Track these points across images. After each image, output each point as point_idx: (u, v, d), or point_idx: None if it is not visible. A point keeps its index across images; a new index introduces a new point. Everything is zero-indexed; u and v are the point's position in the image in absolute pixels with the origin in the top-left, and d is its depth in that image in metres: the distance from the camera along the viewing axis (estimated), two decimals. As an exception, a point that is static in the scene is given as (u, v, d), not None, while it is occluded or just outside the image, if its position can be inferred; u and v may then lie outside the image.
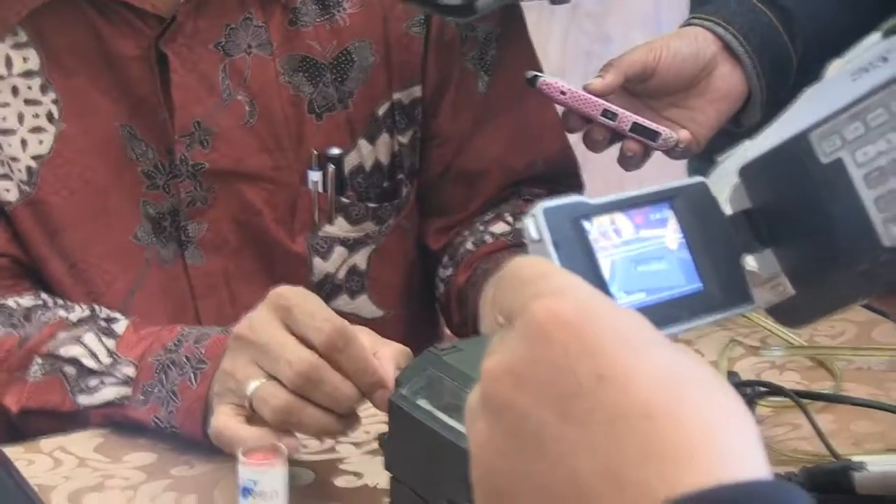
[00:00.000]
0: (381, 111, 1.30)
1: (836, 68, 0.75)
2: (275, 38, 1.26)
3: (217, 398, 1.06)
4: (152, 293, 1.27)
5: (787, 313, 0.75)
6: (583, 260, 0.67)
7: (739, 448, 0.50)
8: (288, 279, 1.28)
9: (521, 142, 1.35)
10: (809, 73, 1.33)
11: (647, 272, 0.69)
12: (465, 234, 1.34)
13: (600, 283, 0.67)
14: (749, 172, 0.74)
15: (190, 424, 1.09)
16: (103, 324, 1.18)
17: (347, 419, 1.02)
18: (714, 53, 1.28)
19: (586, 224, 0.69)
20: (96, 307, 1.21)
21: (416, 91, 1.30)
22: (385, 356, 1.01)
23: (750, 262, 0.74)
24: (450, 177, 1.35)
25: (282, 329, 1.01)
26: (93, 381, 1.14)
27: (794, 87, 1.49)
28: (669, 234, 0.71)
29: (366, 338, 1.02)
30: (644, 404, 0.50)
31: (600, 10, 2.86)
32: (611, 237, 0.69)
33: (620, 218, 0.70)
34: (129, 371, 1.13)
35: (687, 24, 1.32)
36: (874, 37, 0.75)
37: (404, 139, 1.31)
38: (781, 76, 1.31)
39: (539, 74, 1.24)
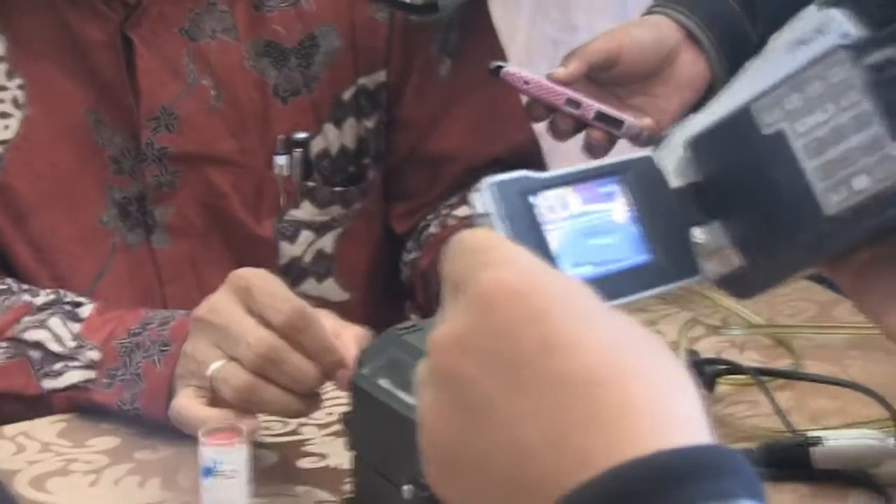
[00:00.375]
0: (346, 96, 1.30)
1: (776, 41, 0.76)
2: (240, 22, 1.27)
3: (179, 381, 1.06)
4: (119, 278, 1.27)
5: (735, 284, 0.77)
6: (530, 233, 0.68)
7: (684, 415, 0.51)
8: (255, 263, 1.28)
9: (486, 128, 1.36)
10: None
11: (596, 245, 0.70)
12: (430, 218, 1.35)
13: (547, 256, 0.68)
14: (694, 145, 0.75)
15: (154, 407, 1.09)
16: (68, 308, 1.18)
17: (309, 399, 1.02)
18: (677, 41, 1.29)
19: (533, 199, 0.70)
20: (61, 291, 1.21)
21: (381, 76, 1.31)
22: (346, 338, 1.02)
23: (697, 233, 0.75)
24: (413, 161, 1.35)
25: (242, 310, 1.01)
26: (57, 365, 1.14)
27: None
28: (617, 207, 0.72)
29: (327, 320, 1.03)
30: (589, 371, 0.50)
31: (566, -2, 2.87)
32: (558, 211, 0.70)
33: (568, 192, 0.71)
34: (94, 355, 1.13)
35: (650, 11, 1.33)
36: (811, 8, 0.76)
37: (370, 124, 1.32)
38: (743, 62, 1.32)
39: (502, 64, 1.25)
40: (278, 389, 1.00)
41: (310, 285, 1.33)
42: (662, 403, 0.51)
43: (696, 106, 1.32)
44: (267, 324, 1.00)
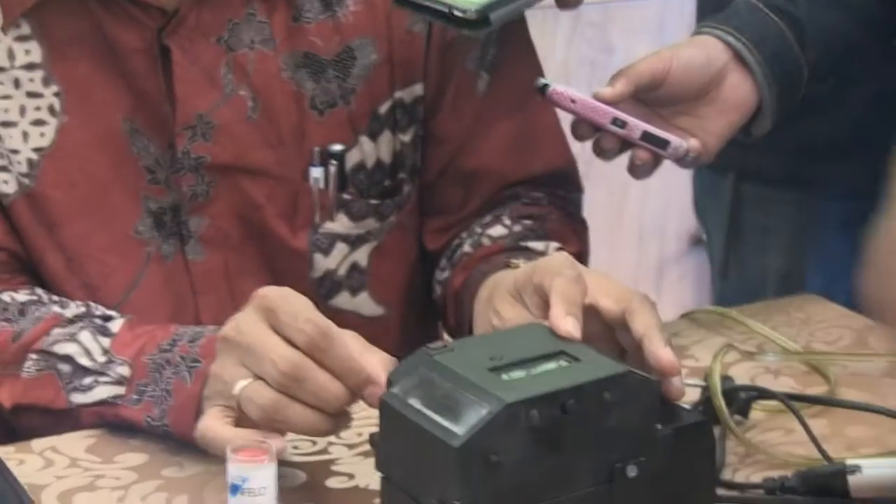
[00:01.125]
0: (382, 109, 1.30)
1: None
2: (277, 34, 1.26)
3: (206, 401, 1.06)
4: (152, 288, 1.27)
5: None
6: None
7: None
8: (289, 275, 1.29)
9: (521, 144, 1.35)
10: (820, 83, 1.34)
11: None
12: (463, 237, 1.34)
13: None
14: None
15: (182, 423, 1.08)
16: (98, 321, 1.18)
17: (337, 418, 1.01)
18: (725, 63, 1.28)
19: None
20: (91, 304, 1.21)
21: (418, 89, 1.31)
22: (372, 361, 1.01)
23: None
24: (448, 176, 1.35)
25: (267, 330, 1.01)
26: (87, 380, 1.14)
27: (804, 98, 1.50)
28: None
29: (352, 342, 1.02)
30: None
31: (602, 18, 2.86)
32: None
33: None
34: (124, 370, 1.13)
35: (697, 32, 1.32)
36: None
37: (406, 138, 1.31)
38: (792, 86, 1.31)
39: (548, 83, 1.24)
40: (304, 408, 1.00)
41: (343, 299, 1.32)
42: None
43: (742, 128, 1.31)
44: (292, 344, 1.00)
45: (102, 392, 1.13)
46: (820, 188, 1.60)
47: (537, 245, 1.29)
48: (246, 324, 1.02)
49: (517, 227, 1.31)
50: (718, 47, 1.28)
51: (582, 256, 1.35)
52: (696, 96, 1.27)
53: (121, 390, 1.13)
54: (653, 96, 1.26)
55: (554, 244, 1.29)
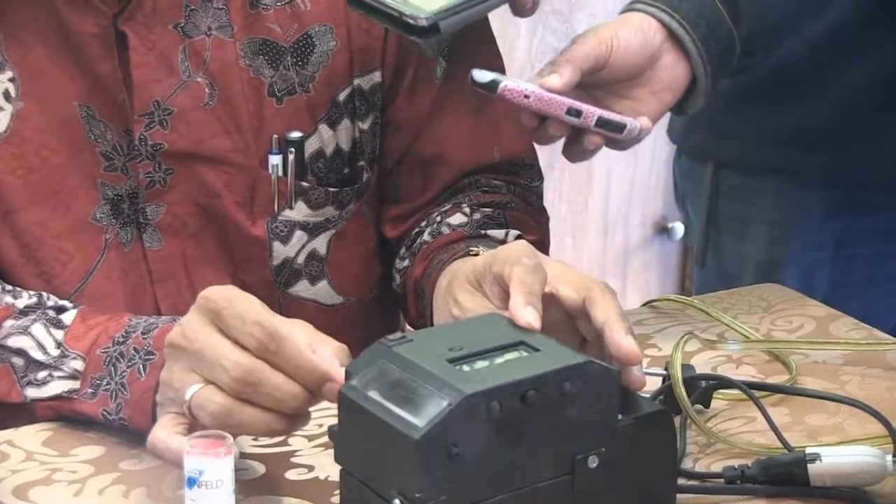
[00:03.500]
0: (341, 96, 1.29)
1: None
2: (235, 20, 1.25)
3: (159, 408, 1.04)
4: (110, 275, 1.26)
5: None
6: None
7: None
8: (247, 263, 1.28)
9: (479, 131, 1.34)
10: (747, 59, 1.33)
11: None
12: (423, 226, 1.33)
13: None
14: None
15: (139, 417, 1.07)
16: (51, 313, 1.16)
17: (294, 418, 0.99)
18: (660, 42, 1.25)
19: None
20: (44, 294, 1.20)
21: (377, 76, 1.30)
22: (324, 353, 0.98)
23: None
24: (406, 164, 1.34)
25: (215, 333, 0.98)
26: (41, 374, 1.13)
27: (783, 88, 1.49)
28: None
29: (304, 334, 0.99)
30: None
31: (567, 7, 2.85)
32: None
33: None
34: (78, 365, 1.12)
35: (630, 8, 1.28)
36: None
37: (365, 125, 1.31)
38: (725, 63, 1.28)
39: (498, 79, 1.18)
40: (257, 410, 0.97)
41: (302, 287, 1.32)
42: None
43: (675, 107, 1.29)
44: (241, 346, 0.97)
45: (57, 387, 1.12)
46: (799, 178, 1.59)
47: (497, 233, 1.29)
48: (192, 329, 0.99)
49: (476, 215, 1.30)
50: (653, 26, 1.25)
51: (542, 245, 1.34)
52: (632, 77, 1.24)
53: (75, 385, 1.12)
54: (590, 79, 1.23)
55: (514, 232, 1.29)
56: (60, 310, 1.17)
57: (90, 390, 1.11)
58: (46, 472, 1.07)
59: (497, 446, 0.88)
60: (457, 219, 1.31)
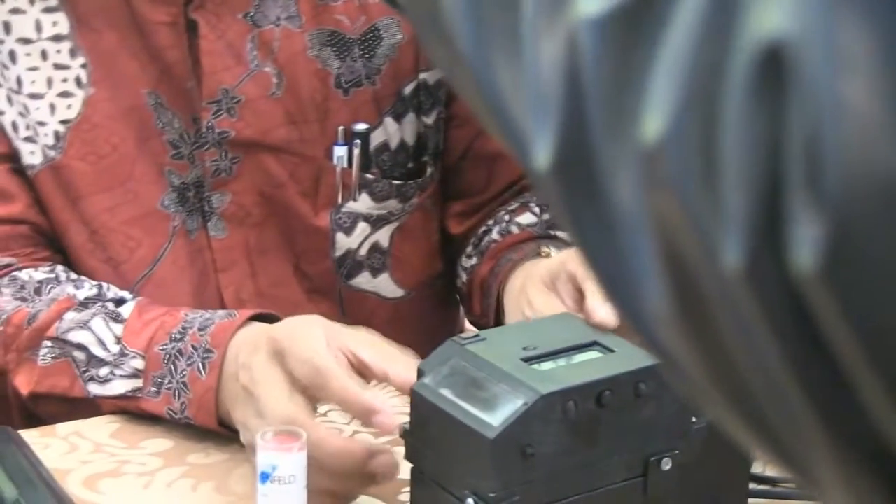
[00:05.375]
0: (407, 90, 1.29)
1: None
2: (304, 11, 1.25)
3: (247, 446, 1.05)
4: (177, 263, 1.26)
5: None
6: None
7: None
8: (309, 254, 1.28)
9: None
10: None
11: None
12: (490, 224, 1.33)
13: None
14: None
15: (203, 416, 1.08)
16: (111, 306, 1.16)
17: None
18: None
19: None
20: (104, 285, 1.20)
21: (442, 71, 1.29)
22: (395, 373, 0.99)
23: None
24: (470, 159, 1.34)
25: (278, 377, 1.01)
26: (103, 371, 1.13)
27: None
28: None
29: (368, 353, 1.00)
30: None
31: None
32: None
33: None
34: (138, 364, 1.12)
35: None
36: None
37: (429, 120, 1.31)
38: None
39: None
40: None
41: (364, 279, 1.32)
42: None
43: None
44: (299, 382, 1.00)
45: (120, 386, 1.13)
46: None
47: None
48: (258, 373, 1.02)
49: (546, 215, 1.30)
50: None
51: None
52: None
53: (138, 383, 1.12)
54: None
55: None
56: (119, 302, 1.17)
57: (153, 388, 1.11)
58: (116, 464, 1.07)
59: (571, 447, 0.87)
60: (526, 218, 1.31)
